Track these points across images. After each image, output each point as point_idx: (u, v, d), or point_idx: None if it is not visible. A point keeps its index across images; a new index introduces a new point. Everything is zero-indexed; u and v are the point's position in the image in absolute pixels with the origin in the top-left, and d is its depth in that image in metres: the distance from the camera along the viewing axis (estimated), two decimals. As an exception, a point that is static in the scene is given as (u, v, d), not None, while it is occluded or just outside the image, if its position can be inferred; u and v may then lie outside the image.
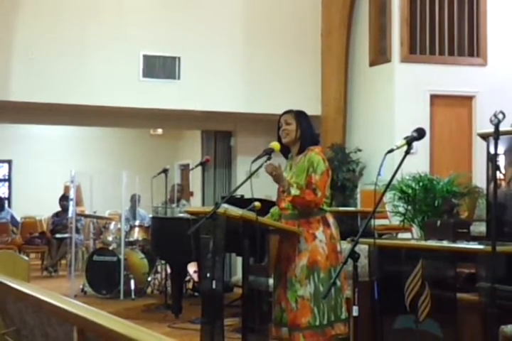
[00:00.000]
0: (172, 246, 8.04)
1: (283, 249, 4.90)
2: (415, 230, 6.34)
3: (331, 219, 4.88)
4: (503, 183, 5.04)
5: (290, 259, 4.80)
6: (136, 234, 9.99)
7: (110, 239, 10.05)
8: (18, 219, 13.47)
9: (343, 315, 4.81)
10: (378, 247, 5.37)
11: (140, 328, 2.39)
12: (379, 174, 3.75)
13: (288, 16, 11.05)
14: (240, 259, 6.72)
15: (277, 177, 4.79)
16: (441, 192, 5.68)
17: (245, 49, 10.85)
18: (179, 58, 10.54)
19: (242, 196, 6.87)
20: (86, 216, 11.86)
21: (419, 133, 3.87)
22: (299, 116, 4.98)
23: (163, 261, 9.56)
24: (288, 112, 5.00)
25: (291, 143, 4.93)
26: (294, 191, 4.71)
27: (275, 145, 4.82)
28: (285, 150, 4.97)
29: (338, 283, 4.72)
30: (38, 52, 9.90)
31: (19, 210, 14.08)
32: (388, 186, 4.01)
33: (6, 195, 15.78)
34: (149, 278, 10.01)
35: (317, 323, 4.69)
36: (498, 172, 4.97)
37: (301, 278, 4.73)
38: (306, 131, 4.94)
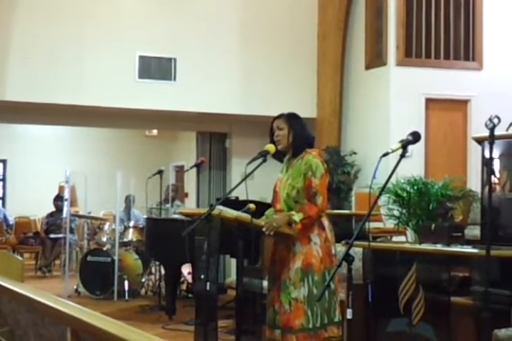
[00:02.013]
0: (166, 248, 8.04)
1: (277, 251, 4.89)
2: (410, 233, 6.34)
3: (326, 222, 4.87)
4: (498, 187, 5.06)
5: (284, 262, 4.80)
6: (131, 235, 9.98)
7: (104, 239, 10.04)
8: (12, 218, 13.45)
9: (337, 318, 4.80)
10: (373, 250, 5.38)
11: (133, 329, 2.39)
12: (374, 177, 3.76)
13: (284, 19, 11.05)
14: (234, 261, 6.74)
15: (279, 228, 4.73)
16: (435, 195, 5.69)
17: (241, 51, 10.85)
18: (175, 59, 10.53)
19: (237, 198, 6.86)
20: (80, 216, 11.86)
21: (415, 137, 3.88)
22: (291, 119, 4.94)
23: (157, 262, 9.56)
24: (279, 117, 4.96)
25: (285, 148, 4.91)
26: (297, 217, 4.68)
27: (270, 147, 4.82)
28: (280, 154, 4.96)
29: (332, 285, 4.72)
30: (34, 53, 9.89)
31: (13, 210, 14.07)
32: (383, 189, 4.01)
33: (0, 195, 15.74)
34: (143, 279, 10.00)
35: (310, 326, 4.69)
36: (492, 176, 4.98)
37: (296, 281, 4.72)
38: (298, 134, 4.91)
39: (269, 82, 10.91)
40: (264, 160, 4.77)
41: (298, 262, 4.74)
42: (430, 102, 10.06)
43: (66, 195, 10.19)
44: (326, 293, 4.65)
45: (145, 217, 9.81)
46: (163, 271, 8.93)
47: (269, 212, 5.09)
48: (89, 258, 9.77)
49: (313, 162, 4.81)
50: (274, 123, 4.95)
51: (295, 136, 4.89)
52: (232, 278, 8.84)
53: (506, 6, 10.43)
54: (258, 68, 10.91)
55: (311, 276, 4.72)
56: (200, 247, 4.94)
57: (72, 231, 11.34)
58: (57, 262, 12.75)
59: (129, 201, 10.88)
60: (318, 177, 4.77)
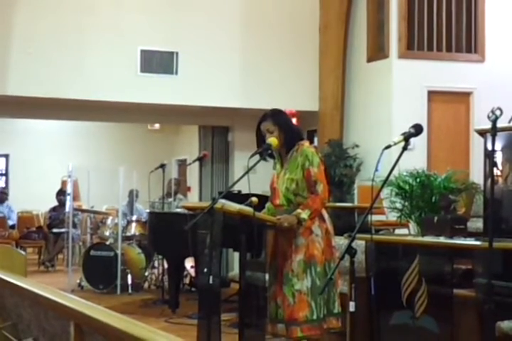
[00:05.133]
0: (169, 241, 8.04)
1: (279, 244, 4.90)
2: (412, 226, 6.35)
3: (326, 214, 4.90)
4: (500, 179, 5.05)
5: (286, 255, 4.81)
6: (134, 229, 9.99)
7: (107, 233, 10.05)
8: (16, 213, 13.47)
9: (336, 310, 4.82)
10: (375, 243, 5.37)
11: (137, 323, 2.39)
12: (376, 170, 3.76)
13: (286, 12, 11.03)
14: (237, 254, 6.74)
15: (290, 226, 4.75)
16: (438, 188, 5.69)
17: (243, 44, 10.84)
18: (177, 53, 10.53)
19: (240, 191, 6.87)
20: (83, 211, 11.86)
21: (417, 129, 3.88)
22: (277, 119, 4.94)
23: (160, 256, 9.57)
24: (265, 119, 4.94)
25: (278, 148, 4.91)
26: (305, 214, 4.71)
27: (273, 140, 4.83)
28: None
29: (332, 277, 4.72)
30: (36, 47, 9.89)
31: (16, 205, 14.07)
32: (385, 182, 4.01)
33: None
34: (146, 273, 10.01)
35: (314, 317, 4.71)
36: (495, 168, 4.97)
37: (299, 273, 4.73)
38: (289, 132, 4.93)
39: (271, 75, 10.90)
40: (266, 154, 4.78)
41: (300, 254, 4.75)
42: (432, 94, 10.05)
43: (69, 189, 10.18)
44: (323, 285, 4.66)
45: (148, 211, 9.81)
46: (166, 265, 8.94)
47: (269, 204, 5.09)
48: (92, 252, 9.78)
49: (309, 152, 4.85)
50: (262, 126, 4.95)
51: (286, 134, 4.90)
52: (235, 271, 8.85)
53: (508, -3, 10.43)
54: (260, 61, 10.90)
55: (314, 268, 4.73)
56: (202, 241, 4.94)
57: (75, 225, 11.34)
58: (60, 256, 12.76)
59: (132, 195, 10.88)
60: (315, 165, 4.81)
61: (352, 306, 3.65)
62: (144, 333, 2.23)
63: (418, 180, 5.80)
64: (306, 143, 4.95)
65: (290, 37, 11.03)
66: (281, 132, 4.88)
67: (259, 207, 4.83)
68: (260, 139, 4.97)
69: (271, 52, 10.93)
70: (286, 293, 4.77)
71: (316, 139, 11.46)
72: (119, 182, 9.68)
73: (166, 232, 8.13)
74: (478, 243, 4.68)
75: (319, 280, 4.72)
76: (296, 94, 10.80)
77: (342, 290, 5.01)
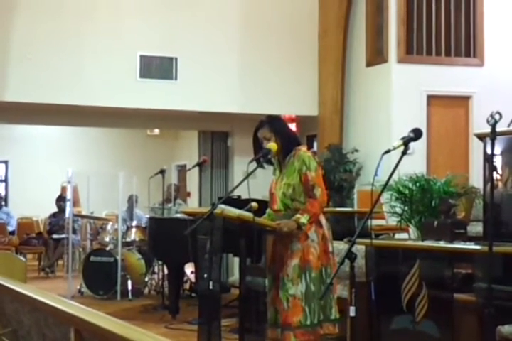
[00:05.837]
0: (169, 247, 8.03)
1: (277, 250, 4.90)
2: (412, 230, 6.36)
3: (323, 220, 4.89)
4: (500, 184, 5.05)
5: (283, 260, 4.81)
6: (133, 235, 9.98)
7: (107, 239, 10.04)
8: (15, 219, 13.44)
9: (333, 316, 4.81)
10: (375, 248, 5.37)
11: (137, 329, 2.39)
12: (376, 174, 3.76)
13: (285, 17, 11.04)
14: (237, 260, 6.73)
15: (290, 231, 4.76)
16: (438, 192, 5.70)
17: (242, 49, 10.85)
18: (176, 59, 10.53)
19: (239, 196, 6.87)
20: (83, 216, 11.85)
21: (416, 134, 3.88)
22: (274, 125, 4.95)
23: (160, 262, 9.56)
24: (262, 126, 4.96)
25: (276, 154, 4.92)
26: (304, 219, 4.71)
27: (272, 145, 4.83)
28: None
29: (333, 282, 4.72)
30: (35, 53, 9.89)
31: (16, 211, 14.07)
32: (385, 186, 4.01)
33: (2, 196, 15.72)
34: (146, 279, 10.00)
35: (308, 322, 4.70)
36: (494, 172, 4.98)
37: (293, 277, 4.73)
38: (286, 138, 4.94)
39: (271, 80, 10.90)
40: (265, 160, 4.79)
41: (295, 259, 4.75)
42: (432, 99, 10.06)
43: (68, 195, 10.18)
44: (322, 289, 4.65)
45: (147, 216, 9.81)
46: (166, 271, 8.93)
47: (269, 210, 5.09)
48: (92, 258, 9.77)
49: (306, 156, 4.85)
50: (259, 133, 4.96)
51: (283, 140, 4.91)
52: (235, 276, 8.84)
53: (507, 1, 10.42)
54: (259, 66, 10.91)
55: (309, 273, 4.73)
56: (202, 246, 4.94)
57: (74, 231, 11.33)
58: (60, 262, 12.74)
59: (131, 201, 10.88)
60: (312, 170, 4.81)
61: (352, 311, 3.65)
62: (144, 339, 2.23)
63: (418, 184, 5.81)
64: (303, 148, 4.96)
65: (289, 42, 11.04)
66: (277, 138, 4.89)
67: (259, 212, 4.83)
68: (257, 146, 4.97)
69: (270, 57, 10.94)
70: (282, 297, 4.77)
71: (315, 144, 11.46)
72: (118, 188, 9.68)
73: (165, 238, 8.12)
74: (478, 247, 4.69)
75: (314, 286, 4.72)
76: (295, 99, 10.80)
77: (342, 295, 5.01)
